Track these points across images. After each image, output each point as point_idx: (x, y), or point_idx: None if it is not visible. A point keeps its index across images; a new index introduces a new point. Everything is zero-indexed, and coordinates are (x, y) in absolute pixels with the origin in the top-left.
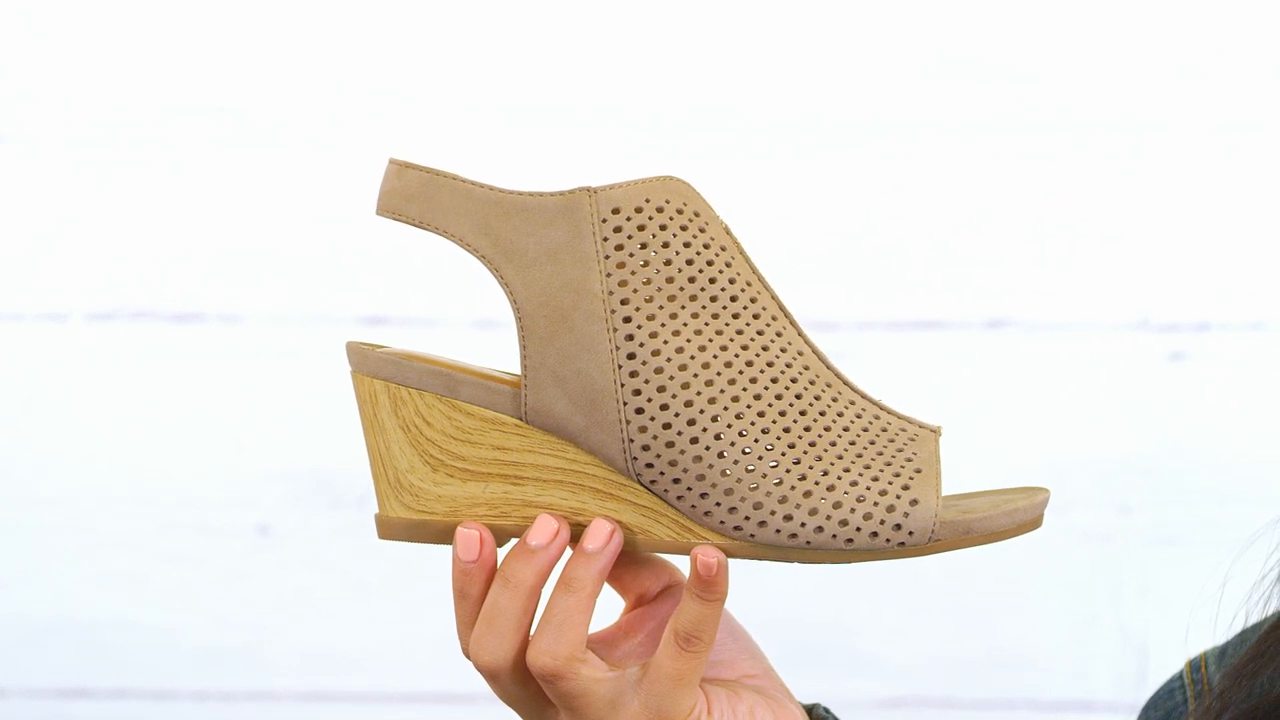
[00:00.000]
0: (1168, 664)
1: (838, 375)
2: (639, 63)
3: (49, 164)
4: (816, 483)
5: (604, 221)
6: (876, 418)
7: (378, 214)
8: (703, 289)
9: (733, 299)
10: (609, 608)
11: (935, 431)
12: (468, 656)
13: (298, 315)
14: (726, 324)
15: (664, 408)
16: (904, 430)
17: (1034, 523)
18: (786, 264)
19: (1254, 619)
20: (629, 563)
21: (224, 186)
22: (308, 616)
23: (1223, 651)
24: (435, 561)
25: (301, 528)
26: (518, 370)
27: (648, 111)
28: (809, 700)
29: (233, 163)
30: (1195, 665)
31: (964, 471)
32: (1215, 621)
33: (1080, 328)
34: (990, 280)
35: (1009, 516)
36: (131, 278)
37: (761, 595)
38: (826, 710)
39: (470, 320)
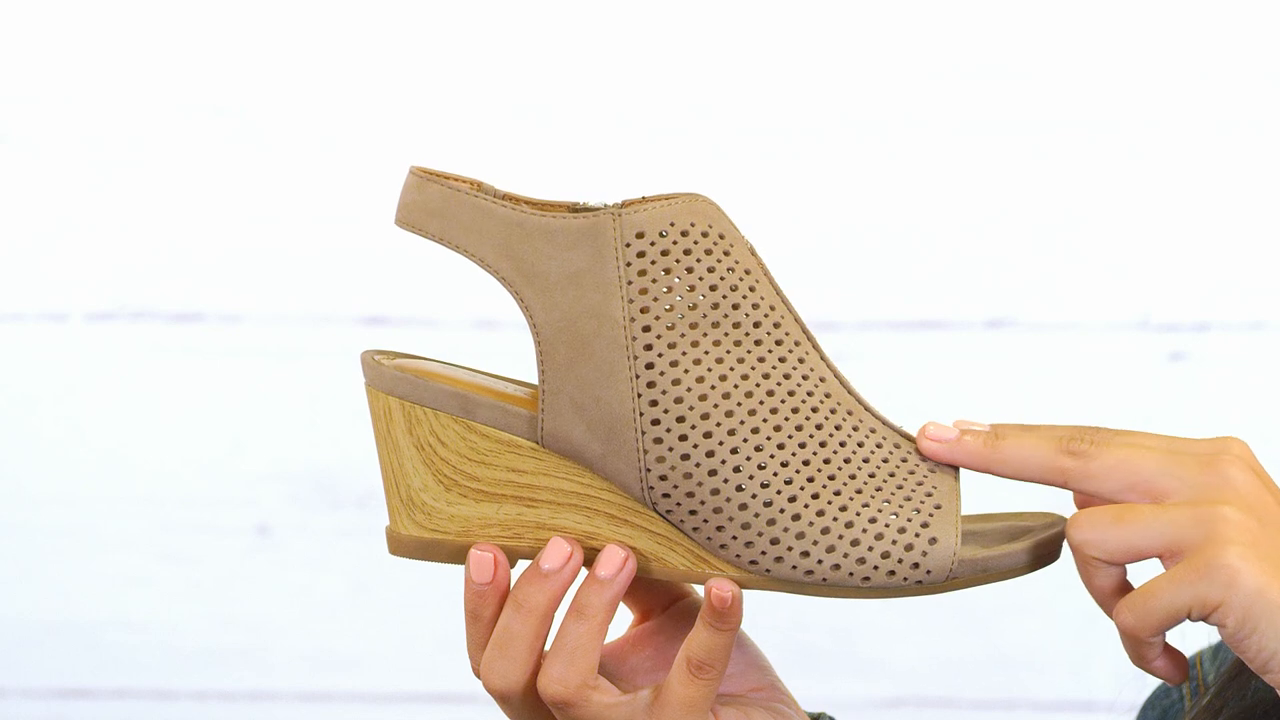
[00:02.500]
0: None
1: (859, 401)
2: (640, 63)
3: (49, 164)
4: (835, 519)
5: (628, 246)
6: (897, 446)
7: (396, 225)
8: (725, 315)
9: (755, 325)
10: (616, 619)
11: None
12: (478, 678)
13: (298, 315)
14: (749, 351)
15: (683, 438)
16: (924, 461)
17: (1051, 557)
18: (787, 264)
19: None
20: (639, 579)
21: (224, 186)
22: (308, 616)
23: (1217, 649)
24: (434, 563)
25: (301, 528)
26: (531, 378)
27: (649, 112)
28: (815, 707)
29: (233, 163)
30: (1190, 663)
31: (964, 473)
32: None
33: (1080, 328)
34: (991, 280)
35: (1028, 553)
36: (131, 278)
37: (762, 597)
38: (831, 719)
39: (470, 320)
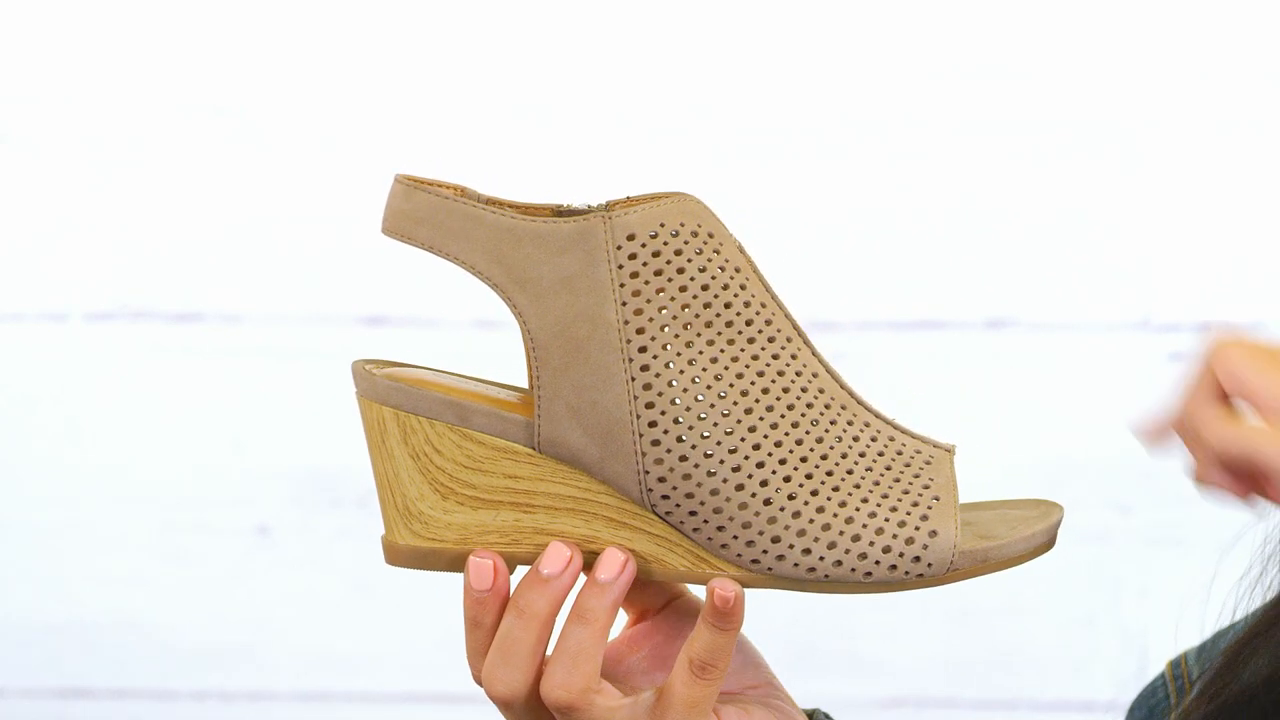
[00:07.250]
0: None
1: (852, 395)
2: (640, 63)
3: (49, 164)
4: (835, 515)
5: (619, 249)
6: (891, 439)
7: (384, 233)
8: (718, 315)
9: (748, 323)
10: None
11: (949, 451)
12: (480, 685)
13: (298, 315)
14: (742, 350)
15: (680, 440)
16: (919, 453)
17: (1048, 545)
18: (787, 264)
19: (1239, 616)
20: (635, 580)
21: (224, 186)
22: (308, 616)
23: (1201, 649)
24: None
25: (301, 528)
26: (523, 382)
27: (648, 112)
28: (808, 705)
29: (233, 163)
30: (1176, 664)
31: (964, 472)
32: (1203, 620)
33: (1080, 328)
34: (991, 280)
35: (1026, 542)
36: (131, 278)
37: (762, 596)
38: (827, 715)
39: (470, 320)
